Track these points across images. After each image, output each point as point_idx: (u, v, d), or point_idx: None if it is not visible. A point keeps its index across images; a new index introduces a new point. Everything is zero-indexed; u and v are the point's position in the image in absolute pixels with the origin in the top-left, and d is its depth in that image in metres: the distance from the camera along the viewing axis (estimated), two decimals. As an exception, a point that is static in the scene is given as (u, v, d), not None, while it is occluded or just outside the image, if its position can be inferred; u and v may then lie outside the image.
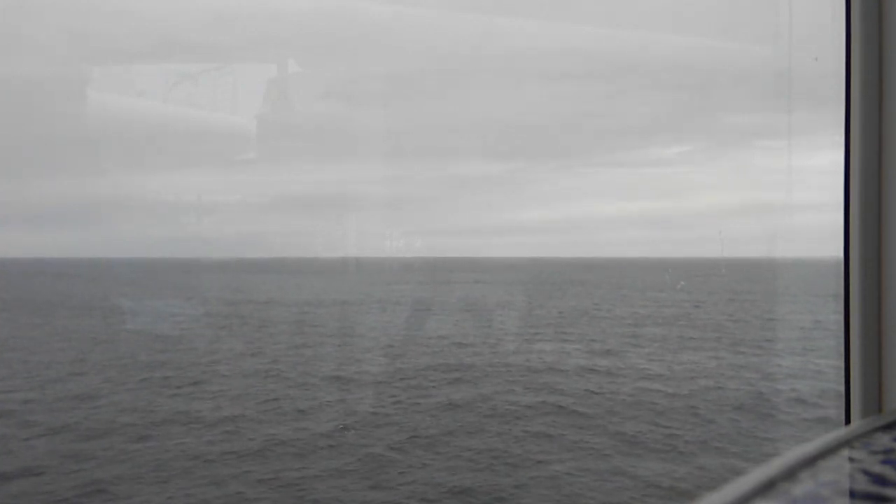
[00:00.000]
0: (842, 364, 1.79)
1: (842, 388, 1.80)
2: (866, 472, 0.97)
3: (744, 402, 19.97)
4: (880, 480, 0.94)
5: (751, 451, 15.62)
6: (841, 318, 1.81)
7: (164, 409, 19.05)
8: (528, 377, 22.94)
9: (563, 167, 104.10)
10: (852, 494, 0.92)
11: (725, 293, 50.97)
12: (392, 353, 27.49)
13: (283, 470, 14.04)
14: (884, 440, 1.11)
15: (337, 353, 28.09)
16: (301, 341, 30.74)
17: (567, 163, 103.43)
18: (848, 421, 1.79)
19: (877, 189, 1.76)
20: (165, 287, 53.90)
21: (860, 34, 1.77)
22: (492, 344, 29.88)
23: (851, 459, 1.03)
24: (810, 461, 0.99)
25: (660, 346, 29.59)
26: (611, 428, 17.08)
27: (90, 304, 44.53)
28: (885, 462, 1.01)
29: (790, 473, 0.94)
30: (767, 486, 0.90)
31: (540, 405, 19.20)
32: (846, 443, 1.08)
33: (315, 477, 13.76)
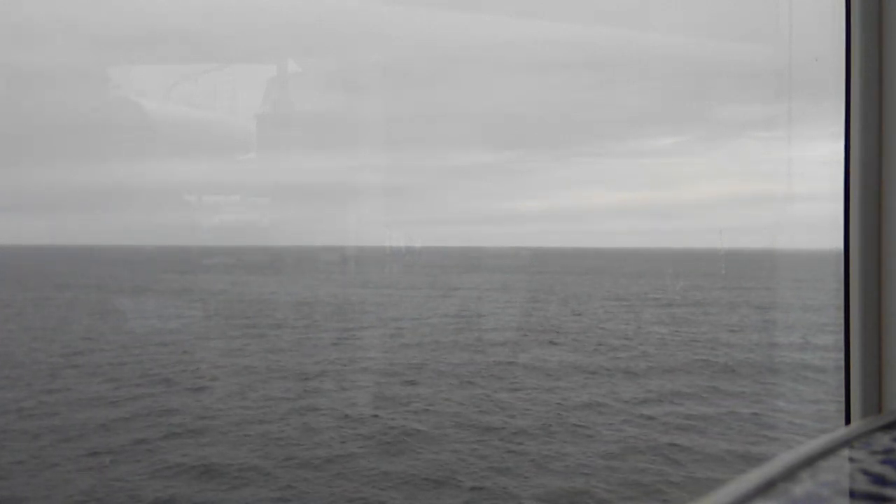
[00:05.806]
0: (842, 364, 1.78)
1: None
2: (866, 472, 0.97)
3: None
4: (880, 480, 0.94)
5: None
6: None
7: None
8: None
9: (559, 157, 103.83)
10: (852, 494, 0.92)
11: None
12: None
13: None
14: (884, 440, 1.10)
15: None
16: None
17: (563, 153, 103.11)
18: (848, 421, 1.79)
19: (877, 181, 1.75)
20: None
21: (860, 23, 1.75)
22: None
23: (851, 459, 1.03)
24: (810, 461, 0.98)
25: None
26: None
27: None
28: (885, 462, 1.01)
29: (790, 473, 0.94)
30: (767, 486, 0.90)
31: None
32: (846, 443, 1.07)
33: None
